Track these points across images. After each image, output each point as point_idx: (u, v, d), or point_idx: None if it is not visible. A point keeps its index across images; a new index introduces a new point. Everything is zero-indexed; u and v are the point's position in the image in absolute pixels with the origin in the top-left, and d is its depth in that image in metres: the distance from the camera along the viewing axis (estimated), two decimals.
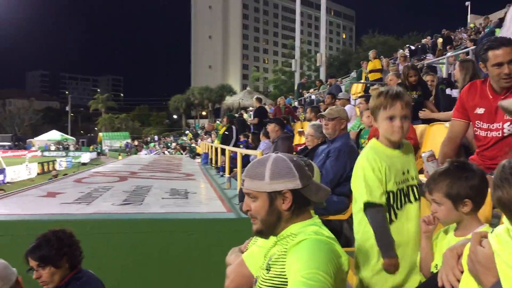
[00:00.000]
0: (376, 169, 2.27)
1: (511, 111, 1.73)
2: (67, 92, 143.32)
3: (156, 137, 59.98)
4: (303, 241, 1.54)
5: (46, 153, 50.53)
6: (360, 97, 7.92)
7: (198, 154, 16.34)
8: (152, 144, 48.33)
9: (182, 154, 24.30)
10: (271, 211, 1.64)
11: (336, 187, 3.96)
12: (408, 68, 5.87)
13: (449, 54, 11.51)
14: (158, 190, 6.63)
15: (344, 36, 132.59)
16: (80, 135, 78.26)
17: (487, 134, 2.81)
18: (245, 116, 17.82)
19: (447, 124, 3.80)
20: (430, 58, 14.18)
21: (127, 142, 54.10)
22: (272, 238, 1.71)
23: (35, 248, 2.56)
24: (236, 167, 6.92)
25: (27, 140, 62.40)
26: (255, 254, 1.92)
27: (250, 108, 21.59)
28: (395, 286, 2.28)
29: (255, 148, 8.76)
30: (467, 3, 36.51)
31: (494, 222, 2.23)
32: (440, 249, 1.91)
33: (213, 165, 11.07)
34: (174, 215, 4.78)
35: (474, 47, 10.29)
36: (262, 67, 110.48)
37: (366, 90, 12.33)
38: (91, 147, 57.45)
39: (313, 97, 17.94)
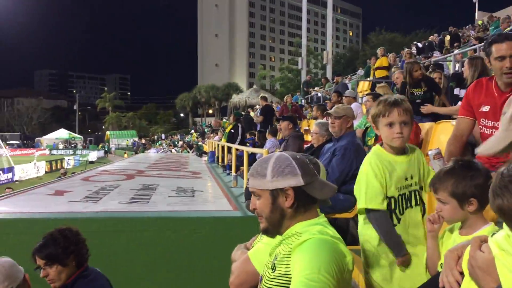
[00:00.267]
0: (379, 174, 2.33)
1: None
2: (74, 91, 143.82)
3: (163, 136, 60.23)
4: (307, 241, 1.54)
5: (54, 152, 50.99)
6: (367, 94, 7.89)
7: (205, 152, 16.40)
8: (158, 143, 48.52)
9: (189, 152, 24.37)
10: (274, 209, 1.65)
11: (342, 185, 3.94)
12: (411, 64, 5.81)
13: (456, 51, 11.43)
14: (165, 188, 6.67)
15: (350, 34, 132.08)
16: (87, 133, 78.68)
17: (492, 132, 2.78)
18: (252, 114, 17.80)
19: (453, 122, 3.78)
20: (437, 56, 14.08)
21: (134, 141, 54.37)
22: (278, 237, 1.71)
23: (42, 247, 2.58)
24: (243, 165, 6.93)
25: (36, 139, 62.97)
26: (260, 251, 1.93)
27: (257, 106, 21.56)
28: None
29: (261, 146, 8.76)
30: (475, 0, 36.16)
31: (499, 220, 2.21)
32: (445, 248, 1.89)
33: (220, 163, 11.10)
34: (180, 213, 4.81)
35: (479, 44, 10.20)
36: (269, 65, 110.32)
37: (372, 87, 12.28)
38: (100, 145, 57.75)
39: (319, 95, 17.92)
